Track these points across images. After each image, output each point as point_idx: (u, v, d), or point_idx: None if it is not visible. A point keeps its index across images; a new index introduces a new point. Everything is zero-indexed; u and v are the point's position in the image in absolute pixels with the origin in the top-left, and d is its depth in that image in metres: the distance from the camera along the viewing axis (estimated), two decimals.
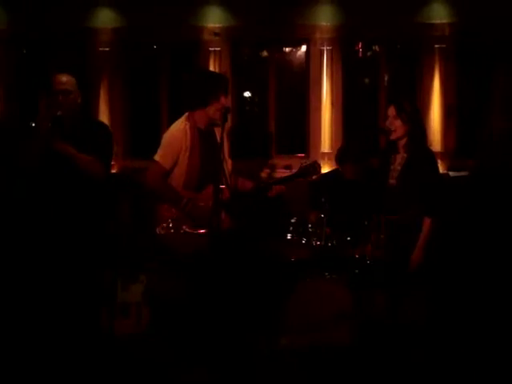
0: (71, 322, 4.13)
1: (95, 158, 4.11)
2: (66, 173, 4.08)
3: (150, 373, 3.94)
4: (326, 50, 7.45)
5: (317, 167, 4.27)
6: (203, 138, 4.15)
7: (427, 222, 4.09)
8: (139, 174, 5.18)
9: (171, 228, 3.96)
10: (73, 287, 4.14)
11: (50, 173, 4.09)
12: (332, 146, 7.27)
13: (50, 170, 4.08)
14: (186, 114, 4.19)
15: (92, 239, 4.22)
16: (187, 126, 4.11)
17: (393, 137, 4.20)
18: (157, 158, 4.09)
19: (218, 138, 4.06)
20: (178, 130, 4.13)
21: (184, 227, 3.98)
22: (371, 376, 3.92)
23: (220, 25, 7.47)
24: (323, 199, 4.94)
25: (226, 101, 4.12)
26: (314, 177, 4.33)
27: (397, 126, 4.16)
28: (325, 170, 6.04)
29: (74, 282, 4.14)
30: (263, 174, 6.88)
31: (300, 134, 7.76)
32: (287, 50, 7.96)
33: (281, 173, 6.72)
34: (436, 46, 7.38)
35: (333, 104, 7.47)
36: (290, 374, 4.01)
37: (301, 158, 7.32)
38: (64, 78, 4.20)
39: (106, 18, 7.52)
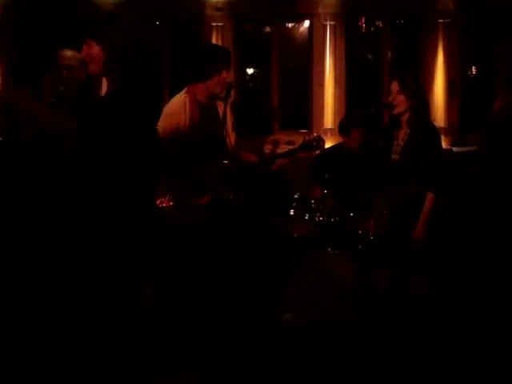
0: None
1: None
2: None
3: (152, 349, 3.95)
4: (329, 25, 7.40)
5: (320, 142, 4.26)
6: (203, 112, 4.13)
7: (430, 197, 4.09)
8: None
9: (171, 200, 3.96)
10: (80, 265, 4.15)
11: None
12: (335, 122, 7.23)
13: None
14: (187, 87, 4.17)
15: (97, 213, 4.22)
16: (187, 99, 4.09)
17: (395, 112, 4.19)
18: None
19: (221, 112, 4.05)
20: (177, 102, 4.11)
21: (184, 200, 3.97)
22: (374, 352, 3.94)
23: None
24: (326, 175, 4.95)
25: (227, 74, 4.09)
26: (317, 151, 4.32)
27: (399, 101, 4.15)
28: (328, 146, 6.03)
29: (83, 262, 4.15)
30: (266, 150, 6.86)
31: (303, 110, 7.74)
32: (290, 25, 7.91)
33: (283, 148, 6.68)
34: (440, 20, 7.32)
35: (336, 79, 7.43)
36: (292, 350, 4.02)
37: (304, 133, 7.30)
38: (68, 53, 4.20)
39: None
